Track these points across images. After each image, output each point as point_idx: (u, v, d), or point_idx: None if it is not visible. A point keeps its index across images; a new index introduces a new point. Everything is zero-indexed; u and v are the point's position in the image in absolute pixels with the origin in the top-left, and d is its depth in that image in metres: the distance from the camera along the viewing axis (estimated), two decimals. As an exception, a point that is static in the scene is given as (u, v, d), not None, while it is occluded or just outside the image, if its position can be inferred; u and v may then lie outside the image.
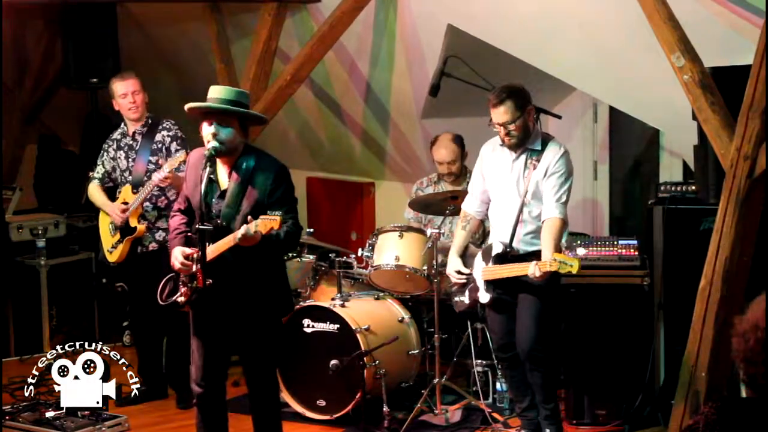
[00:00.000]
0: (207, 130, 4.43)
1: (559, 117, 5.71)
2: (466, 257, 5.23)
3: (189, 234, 4.53)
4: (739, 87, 4.61)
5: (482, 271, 5.06)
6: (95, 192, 6.08)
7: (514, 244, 4.99)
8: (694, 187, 5.49)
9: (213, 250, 4.40)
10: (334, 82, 7.19)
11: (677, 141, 6.13)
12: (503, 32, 5.99)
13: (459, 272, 5.18)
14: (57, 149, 9.01)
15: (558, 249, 4.81)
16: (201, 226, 4.33)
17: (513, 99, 4.93)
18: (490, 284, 5.03)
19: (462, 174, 6.31)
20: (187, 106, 4.52)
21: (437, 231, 5.61)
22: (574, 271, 4.64)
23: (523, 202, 4.97)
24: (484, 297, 5.06)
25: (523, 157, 5.03)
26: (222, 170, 4.52)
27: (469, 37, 6.08)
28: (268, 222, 4.22)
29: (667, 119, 5.81)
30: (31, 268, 7.08)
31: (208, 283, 4.36)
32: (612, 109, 6.48)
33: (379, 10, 6.48)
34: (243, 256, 4.39)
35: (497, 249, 5.01)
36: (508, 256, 4.98)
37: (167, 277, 4.63)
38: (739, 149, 4.62)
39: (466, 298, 5.18)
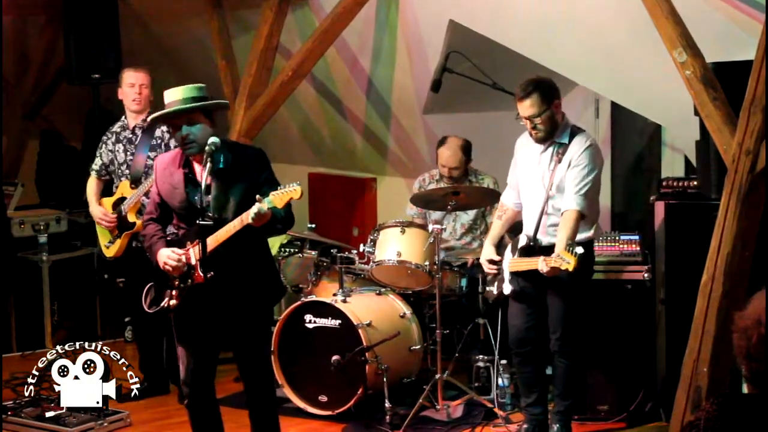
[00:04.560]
0: (178, 134, 4.32)
1: (561, 113, 5.69)
2: (502, 247, 5.24)
3: (168, 238, 4.44)
4: (741, 82, 4.61)
5: (509, 262, 5.08)
6: (89, 187, 6.11)
7: (539, 236, 4.99)
8: (696, 183, 5.48)
9: (213, 240, 4.29)
10: (335, 77, 7.18)
11: (679, 136, 6.12)
12: (505, 28, 5.98)
13: (491, 261, 5.19)
14: (59, 145, 9.00)
15: (572, 242, 4.79)
16: (201, 222, 4.24)
17: (539, 92, 4.89)
18: (515, 276, 5.04)
19: (463, 176, 6.26)
20: (149, 118, 4.48)
21: (439, 227, 5.61)
22: (570, 268, 4.63)
23: (548, 195, 4.97)
24: (506, 288, 5.08)
25: (550, 150, 5.00)
26: (197, 166, 4.39)
27: (471, 33, 6.07)
28: (285, 194, 4.13)
29: (669, 115, 5.79)
30: (33, 263, 7.08)
31: (209, 276, 4.25)
32: (614, 104, 6.46)
33: (380, 6, 6.47)
34: (234, 246, 4.30)
35: (523, 241, 5.03)
36: (535, 248, 4.98)
37: (148, 286, 4.51)
38: (741, 144, 4.61)
39: (494, 288, 5.20)
